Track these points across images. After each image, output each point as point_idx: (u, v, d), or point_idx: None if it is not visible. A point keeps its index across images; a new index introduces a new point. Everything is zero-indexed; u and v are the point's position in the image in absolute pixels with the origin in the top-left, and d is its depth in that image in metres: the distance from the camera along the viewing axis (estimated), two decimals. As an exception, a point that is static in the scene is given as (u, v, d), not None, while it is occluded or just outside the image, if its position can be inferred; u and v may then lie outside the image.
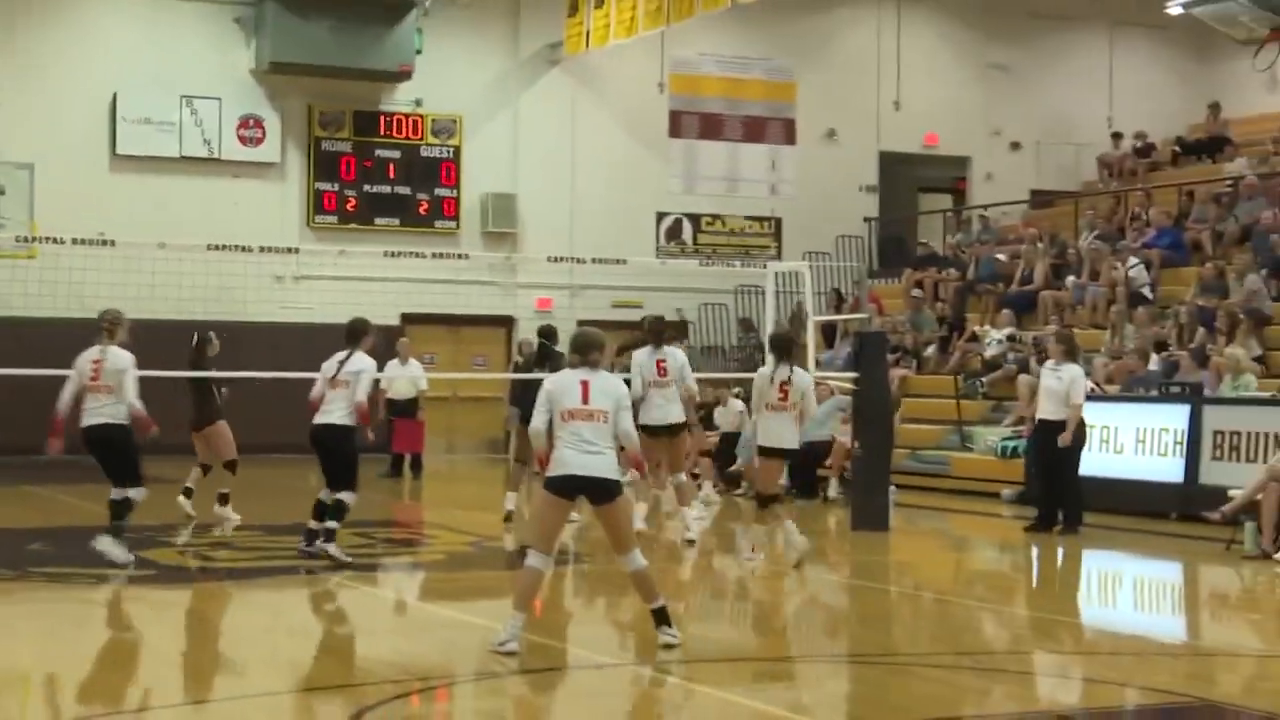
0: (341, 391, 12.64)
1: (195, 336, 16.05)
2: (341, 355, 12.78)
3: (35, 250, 20.48)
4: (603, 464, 9.06)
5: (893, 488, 16.63)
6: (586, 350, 9.32)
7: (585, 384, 9.17)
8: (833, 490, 18.81)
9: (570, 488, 9.10)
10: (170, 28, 25.45)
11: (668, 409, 14.41)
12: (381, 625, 10.64)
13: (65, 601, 11.30)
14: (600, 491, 9.07)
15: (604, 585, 12.20)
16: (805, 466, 17.94)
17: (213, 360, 15.97)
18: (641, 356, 14.62)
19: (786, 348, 13.15)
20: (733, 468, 19.87)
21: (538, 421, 9.25)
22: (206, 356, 15.88)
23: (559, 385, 9.25)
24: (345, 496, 12.74)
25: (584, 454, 9.02)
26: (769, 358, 13.26)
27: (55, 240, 15.81)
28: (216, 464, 15.88)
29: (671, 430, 14.49)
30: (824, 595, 12.42)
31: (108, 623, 10.60)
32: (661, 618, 9.16)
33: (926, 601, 12.05)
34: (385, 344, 19.82)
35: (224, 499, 15.62)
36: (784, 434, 12.98)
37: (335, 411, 12.67)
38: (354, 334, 12.90)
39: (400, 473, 22.03)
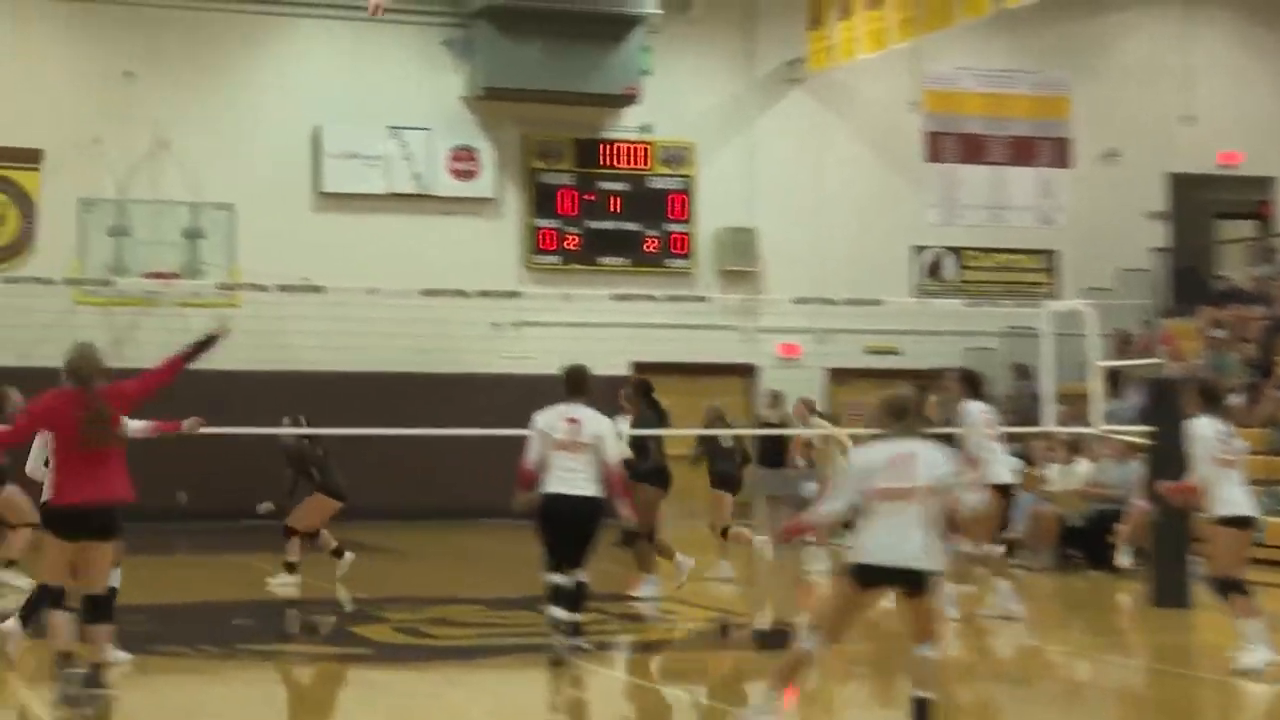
0: (585, 456, 11.74)
1: (292, 420, 16.37)
2: (569, 411, 11.92)
3: (238, 298, 20.97)
4: (919, 550, 8.51)
5: (1195, 559, 16.02)
6: (905, 414, 8.75)
7: (908, 457, 8.58)
8: (1124, 559, 18.26)
9: (879, 579, 8.61)
10: (375, 54, 25.93)
11: (1004, 464, 14.32)
12: (617, 710, 10.55)
13: (274, 683, 11.42)
14: (914, 582, 8.58)
15: (879, 671, 11.94)
16: (1095, 533, 17.48)
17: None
18: (976, 411, 14.35)
19: (1217, 396, 12.68)
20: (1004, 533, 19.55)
21: (839, 505, 8.77)
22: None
23: (870, 460, 8.68)
24: (585, 578, 11.97)
25: (898, 540, 8.49)
26: (1191, 407, 12.25)
27: (259, 287, 16.08)
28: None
29: (1005, 491, 14.40)
30: (1121, 681, 11.99)
31: (318, 707, 10.65)
32: (922, 713, 8.72)
33: (1240, 691, 11.54)
34: (613, 396, 19.85)
35: (291, 568, 16.24)
36: (1244, 499, 11.86)
37: (585, 481, 11.72)
38: (580, 383, 12.04)
39: (633, 542, 21.93)
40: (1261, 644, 11.48)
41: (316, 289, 16.45)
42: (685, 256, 26.81)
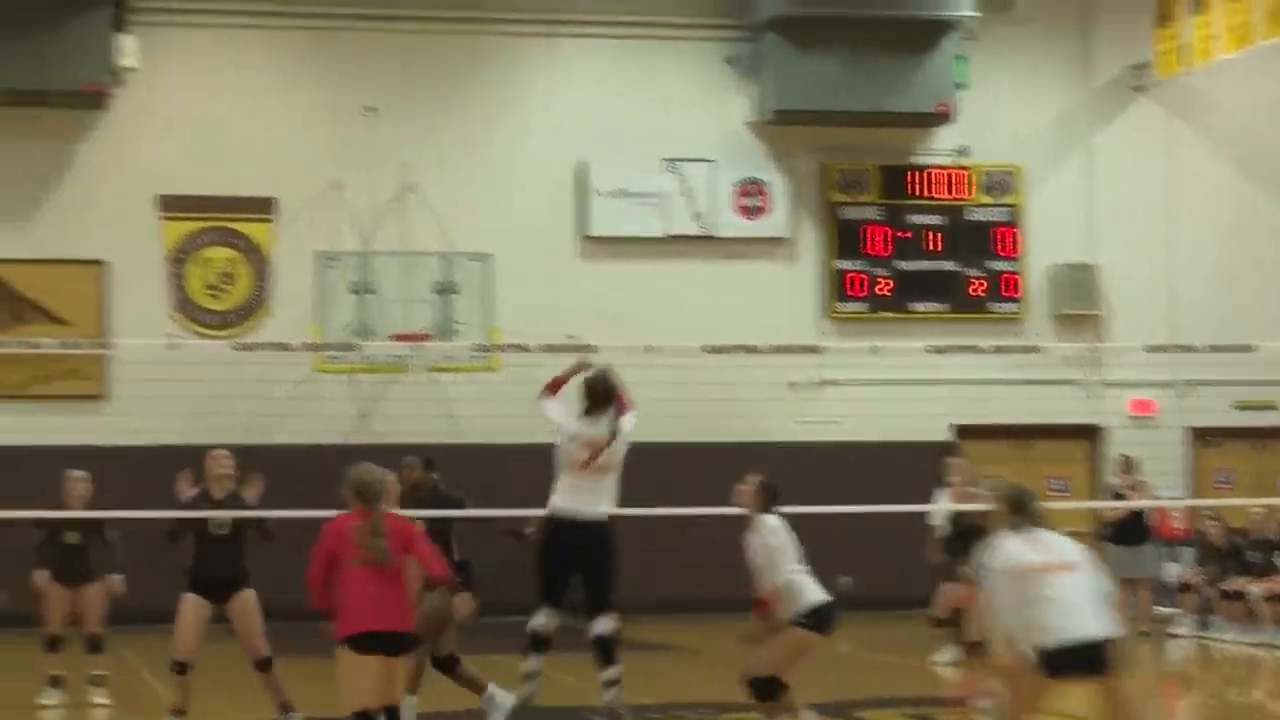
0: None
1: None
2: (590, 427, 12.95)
3: (496, 361, 21.35)
4: None
5: None
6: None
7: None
8: None
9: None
10: (648, 77, 26.16)
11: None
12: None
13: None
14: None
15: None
16: None
17: None
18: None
19: None
20: None
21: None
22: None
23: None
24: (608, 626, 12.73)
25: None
26: None
27: (520, 348, 16.29)
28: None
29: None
30: None
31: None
32: None
33: None
34: (934, 464, 19.74)
35: None
36: None
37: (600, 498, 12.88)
38: (606, 394, 13.22)
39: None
40: None
41: (585, 348, 16.63)
42: (1014, 300, 26.56)
